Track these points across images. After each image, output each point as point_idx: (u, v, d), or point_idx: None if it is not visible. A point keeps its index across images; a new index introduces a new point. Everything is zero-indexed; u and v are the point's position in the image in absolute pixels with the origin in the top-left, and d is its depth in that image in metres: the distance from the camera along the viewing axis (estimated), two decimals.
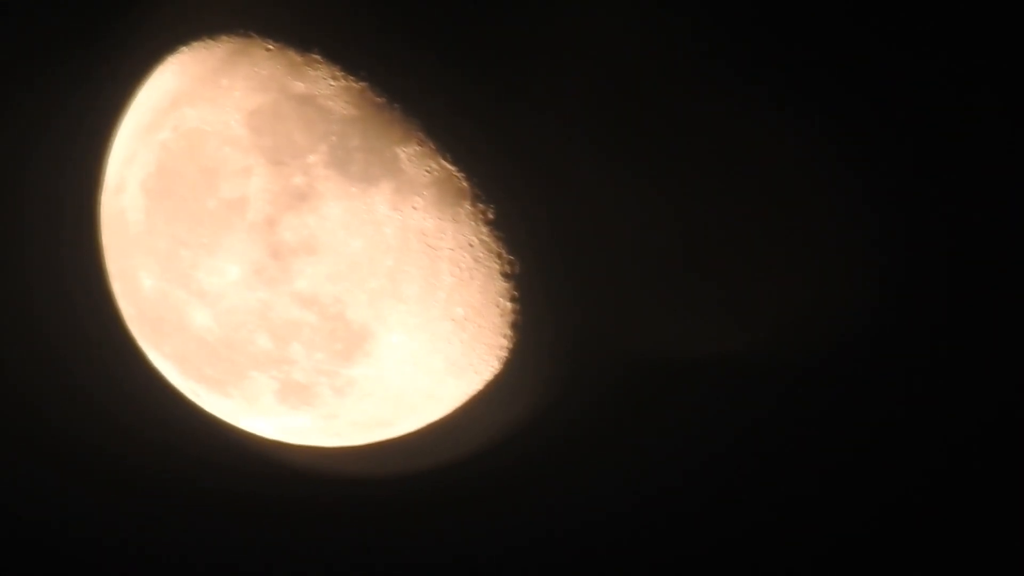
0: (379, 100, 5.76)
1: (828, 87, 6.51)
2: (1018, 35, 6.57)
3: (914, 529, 7.57)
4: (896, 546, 7.61)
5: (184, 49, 6.17)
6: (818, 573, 7.71)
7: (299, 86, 5.79)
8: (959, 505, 7.51)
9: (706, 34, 6.33)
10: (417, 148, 5.75)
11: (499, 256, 5.94)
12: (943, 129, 6.66)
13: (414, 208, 5.75)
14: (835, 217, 6.67)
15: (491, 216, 5.86)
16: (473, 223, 5.84)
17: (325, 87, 5.78)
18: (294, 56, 5.85)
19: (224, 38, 6.05)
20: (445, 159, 5.77)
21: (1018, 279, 6.94)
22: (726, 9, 6.34)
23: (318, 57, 5.82)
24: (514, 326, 6.12)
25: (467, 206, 5.82)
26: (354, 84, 5.77)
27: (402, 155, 5.74)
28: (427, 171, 5.76)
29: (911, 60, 6.56)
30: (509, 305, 6.06)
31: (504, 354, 6.19)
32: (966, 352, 7.15)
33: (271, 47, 5.91)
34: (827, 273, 6.76)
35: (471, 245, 5.87)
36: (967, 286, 6.96)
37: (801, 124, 6.49)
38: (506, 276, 5.99)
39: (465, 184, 5.81)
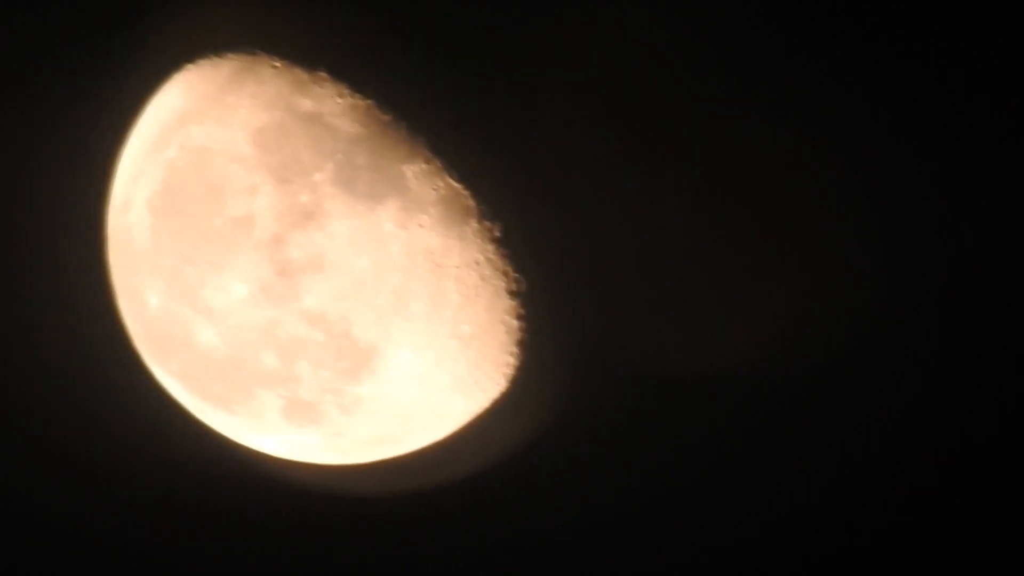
0: (385, 118, 5.76)
1: (830, 92, 6.51)
2: (1018, 35, 6.57)
3: (917, 535, 7.56)
4: (899, 551, 7.60)
5: (190, 67, 6.18)
6: None
7: (305, 104, 5.80)
8: (962, 512, 7.50)
9: (710, 48, 6.33)
10: (423, 166, 5.75)
11: (505, 274, 5.93)
12: (946, 132, 6.65)
13: (420, 226, 5.75)
14: (840, 225, 6.67)
15: (497, 234, 5.86)
16: (479, 241, 5.84)
17: (331, 105, 5.78)
18: (300, 74, 5.85)
19: (230, 56, 6.06)
20: (451, 177, 5.78)
21: (1020, 282, 6.93)
22: (728, 18, 6.33)
23: (324, 75, 5.82)
24: (520, 344, 6.12)
25: (473, 224, 5.82)
26: (360, 102, 5.78)
27: (408, 173, 5.74)
28: (433, 189, 5.76)
29: (913, 62, 6.56)
30: (515, 323, 6.06)
31: (510, 372, 6.19)
32: (969, 360, 7.14)
33: (277, 65, 5.91)
34: (832, 283, 6.75)
35: (477, 263, 5.87)
36: (970, 292, 6.95)
37: (804, 130, 6.49)
38: (512, 294, 5.99)
39: (471, 202, 5.81)
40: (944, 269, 6.86)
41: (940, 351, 7.12)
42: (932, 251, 6.82)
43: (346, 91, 5.80)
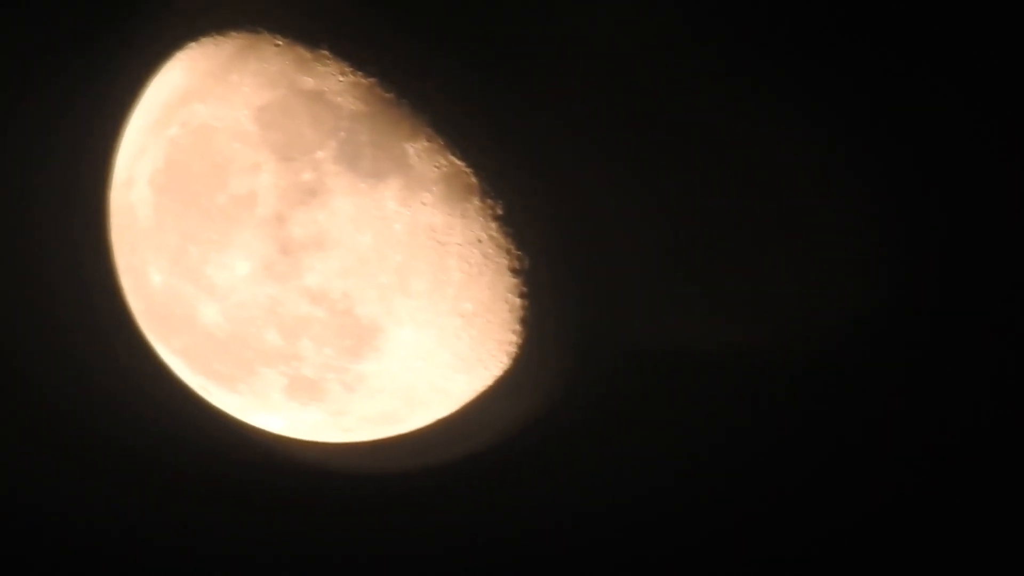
0: (388, 96, 5.76)
1: (828, 88, 6.51)
2: (1018, 35, 6.57)
3: (914, 524, 7.58)
4: (896, 540, 7.62)
5: (193, 45, 6.18)
6: (817, 566, 7.72)
7: (308, 82, 5.79)
8: (958, 502, 7.52)
9: (711, 36, 6.33)
10: (426, 144, 5.75)
11: (508, 252, 5.94)
12: (942, 128, 6.66)
13: (423, 204, 5.75)
14: (835, 215, 6.68)
15: (500, 212, 5.87)
16: (482, 219, 5.84)
17: (334, 83, 5.78)
18: (303, 52, 5.85)
19: (233, 34, 6.05)
20: (454, 155, 5.77)
21: (1017, 277, 6.95)
22: (730, 12, 6.34)
23: (327, 53, 5.82)
24: (523, 322, 6.13)
25: (476, 202, 5.82)
26: (363, 80, 5.77)
27: (411, 151, 5.74)
28: (436, 167, 5.76)
29: (910, 59, 6.56)
30: (518, 301, 6.06)
31: (513, 349, 6.19)
32: (965, 349, 7.15)
33: (280, 43, 5.91)
34: (827, 270, 6.76)
35: (480, 241, 5.87)
36: (966, 283, 6.96)
37: (800, 124, 6.49)
38: (515, 272, 5.99)
39: (474, 180, 5.81)
40: (942, 262, 6.87)
41: (935, 342, 7.14)
42: (927, 245, 6.83)
43: (348, 69, 5.79)
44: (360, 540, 7.78)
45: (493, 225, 5.87)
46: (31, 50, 7.18)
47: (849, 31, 6.50)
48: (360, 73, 5.77)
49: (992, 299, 7.04)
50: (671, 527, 7.70)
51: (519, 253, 5.96)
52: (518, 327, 6.13)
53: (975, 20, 6.57)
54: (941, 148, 6.70)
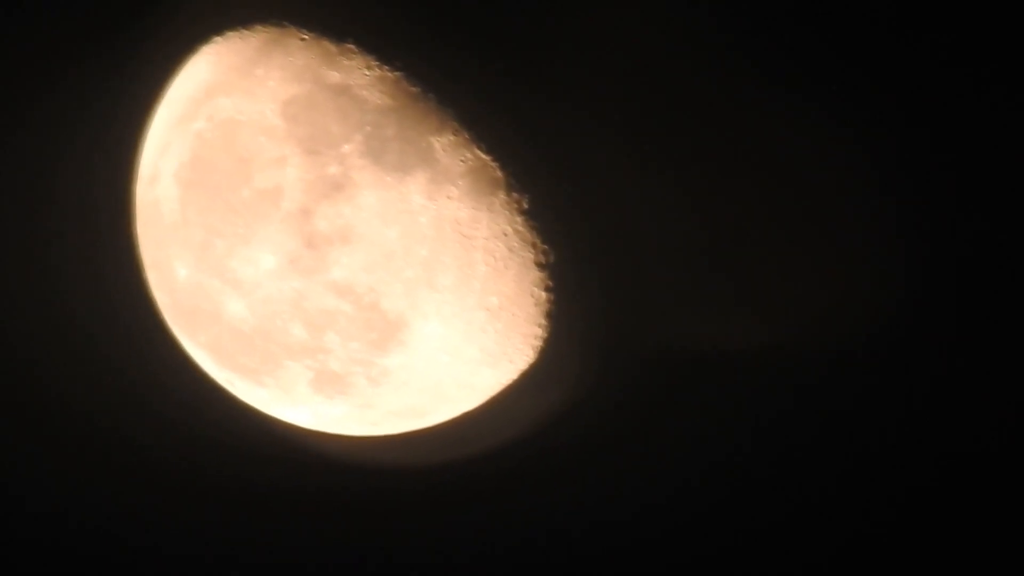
0: (414, 90, 5.76)
1: (852, 84, 6.50)
2: None
3: (935, 524, 7.56)
4: (917, 539, 7.61)
5: (219, 39, 6.19)
6: (840, 567, 7.71)
7: (334, 76, 5.80)
8: (977, 503, 7.50)
9: (739, 33, 6.32)
10: (452, 138, 5.75)
11: (533, 246, 5.93)
12: (964, 126, 6.64)
13: (449, 198, 5.75)
14: (857, 213, 6.66)
15: (525, 205, 5.86)
16: (508, 212, 5.84)
17: (360, 77, 5.78)
18: (329, 46, 5.85)
19: (259, 28, 6.06)
20: (479, 149, 5.77)
21: None
22: (757, 8, 6.32)
23: (353, 47, 5.82)
24: (548, 315, 6.12)
25: (501, 196, 5.82)
26: (389, 74, 5.77)
27: (437, 145, 5.74)
28: (462, 161, 5.76)
29: (934, 57, 6.54)
30: (543, 295, 6.06)
31: (538, 343, 6.19)
32: (985, 349, 7.13)
33: (306, 37, 5.91)
34: (849, 269, 6.74)
35: (505, 234, 5.87)
36: (986, 282, 6.94)
37: (825, 121, 6.48)
38: (540, 266, 5.99)
39: (499, 174, 5.81)
40: (963, 261, 6.85)
41: (961, 341, 7.12)
42: (951, 242, 6.81)
43: (374, 63, 5.79)
44: (384, 534, 7.79)
45: (519, 219, 5.87)
46: (56, 45, 7.20)
47: (876, 28, 6.48)
48: (386, 67, 5.77)
49: (1017, 298, 7.01)
50: (695, 525, 7.69)
51: (545, 247, 5.95)
52: (544, 321, 6.13)
53: (1001, 18, 6.55)
54: (968, 148, 6.68)
